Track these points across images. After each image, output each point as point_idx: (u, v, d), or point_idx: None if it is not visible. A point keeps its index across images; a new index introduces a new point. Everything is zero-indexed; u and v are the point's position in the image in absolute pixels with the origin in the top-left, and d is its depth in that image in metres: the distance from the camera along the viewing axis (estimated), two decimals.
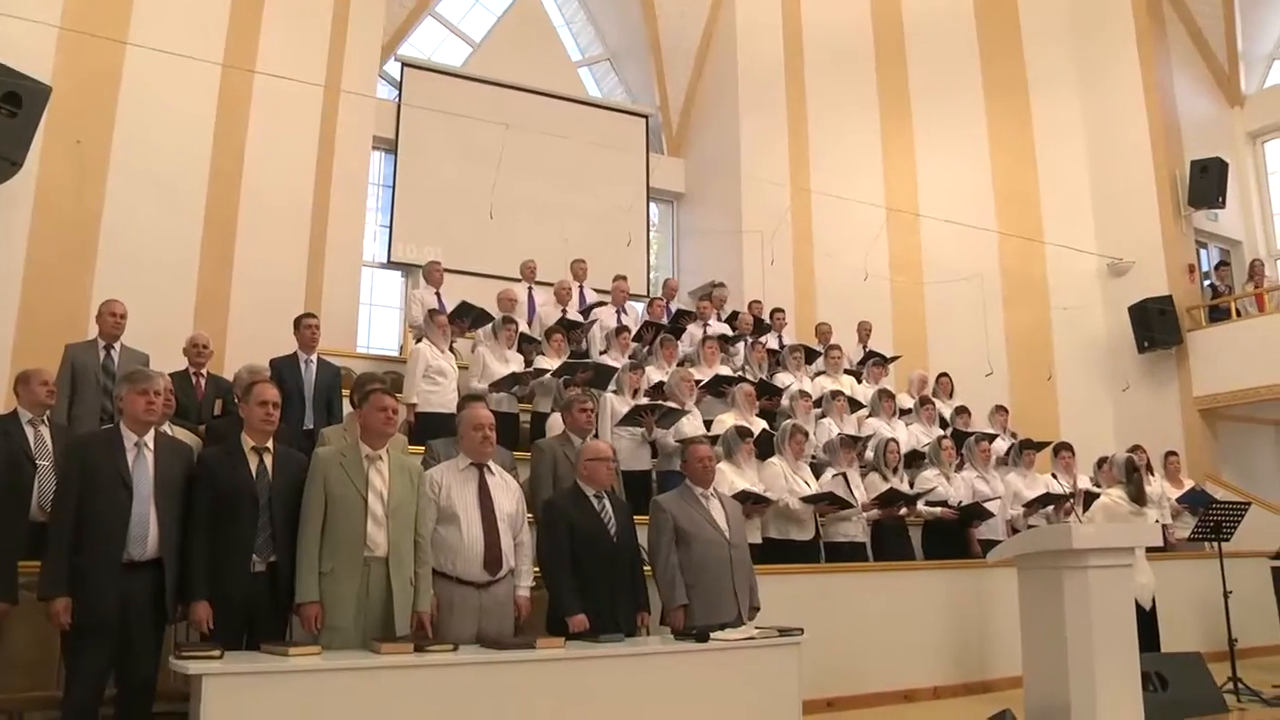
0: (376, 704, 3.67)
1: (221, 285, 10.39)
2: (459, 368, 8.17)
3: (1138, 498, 7.24)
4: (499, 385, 7.88)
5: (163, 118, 10.19)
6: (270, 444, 4.40)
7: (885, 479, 7.67)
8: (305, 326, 7.27)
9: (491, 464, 4.86)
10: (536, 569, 4.94)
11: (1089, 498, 8.05)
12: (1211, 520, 7.32)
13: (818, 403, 8.93)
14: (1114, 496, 7.29)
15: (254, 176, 10.73)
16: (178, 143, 10.28)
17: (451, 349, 8.27)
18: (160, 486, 4.11)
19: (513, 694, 3.96)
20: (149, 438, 4.19)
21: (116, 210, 9.81)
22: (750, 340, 10.03)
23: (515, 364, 8.23)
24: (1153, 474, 9.05)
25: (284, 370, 6.99)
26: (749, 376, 9.04)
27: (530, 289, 10.52)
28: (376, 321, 12.82)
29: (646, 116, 14.95)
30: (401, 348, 11.09)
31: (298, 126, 11.18)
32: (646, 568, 5.25)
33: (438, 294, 9.74)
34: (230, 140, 10.67)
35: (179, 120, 10.33)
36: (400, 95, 12.98)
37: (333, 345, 9.08)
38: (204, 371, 7.03)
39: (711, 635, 4.56)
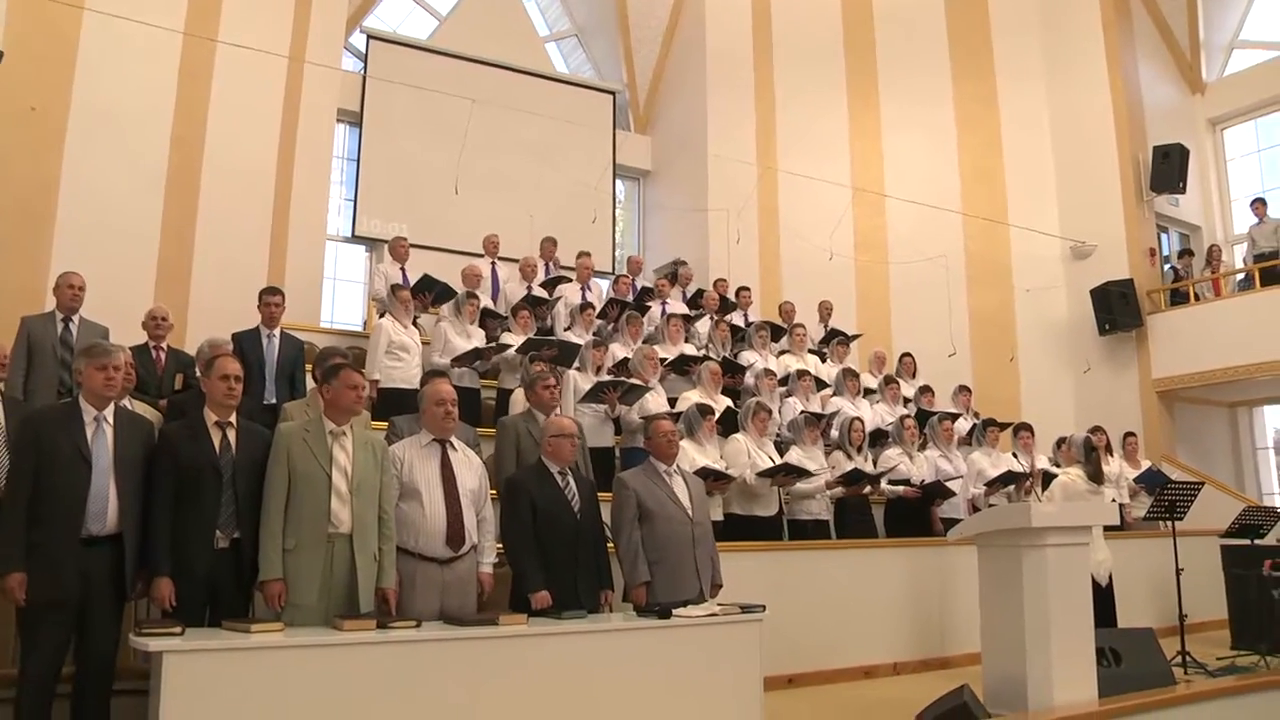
0: (339, 681, 3.66)
1: (183, 258, 10.25)
2: (422, 343, 8.11)
3: (1095, 477, 7.36)
4: (461, 360, 7.84)
5: (122, 86, 10.01)
6: (233, 419, 4.34)
7: (850, 457, 7.73)
8: (267, 303, 7.18)
9: (454, 440, 4.85)
10: (500, 545, 4.93)
11: (1048, 477, 8.16)
12: (1166, 500, 7.44)
13: (783, 381, 8.97)
14: (1072, 475, 7.41)
15: (216, 148, 10.58)
16: (137, 112, 10.11)
17: (415, 324, 8.22)
18: (120, 461, 4.04)
19: (476, 670, 3.96)
20: (108, 412, 4.12)
21: (74, 180, 9.65)
22: (715, 318, 10.04)
23: (477, 339, 8.20)
24: (1110, 454, 9.19)
25: (246, 344, 6.93)
26: (713, 355, 9.06)
27: (494, 264, 10.47)
28: (340, 296, 12.71)
29: (614, 93, 14.88)
30: (365, 323, 11.00)
31: (261, 98, 11.02)
32: (609, 544, 5.26)
33: (403, 269, 9.67)
34: (192, 110, 10.50)
35: (139, 89, 10.16)
36: (365, 68, 12.83)
37: (296, 319, 8.98)
38: (164, 345, 6.93)
39: (674, 612, 4.58)
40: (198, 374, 5.79)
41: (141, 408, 5.27)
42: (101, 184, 9.72)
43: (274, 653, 3.62)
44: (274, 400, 6.76)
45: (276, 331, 7.16)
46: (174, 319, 7.27)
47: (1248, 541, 7.79)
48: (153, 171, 10.19)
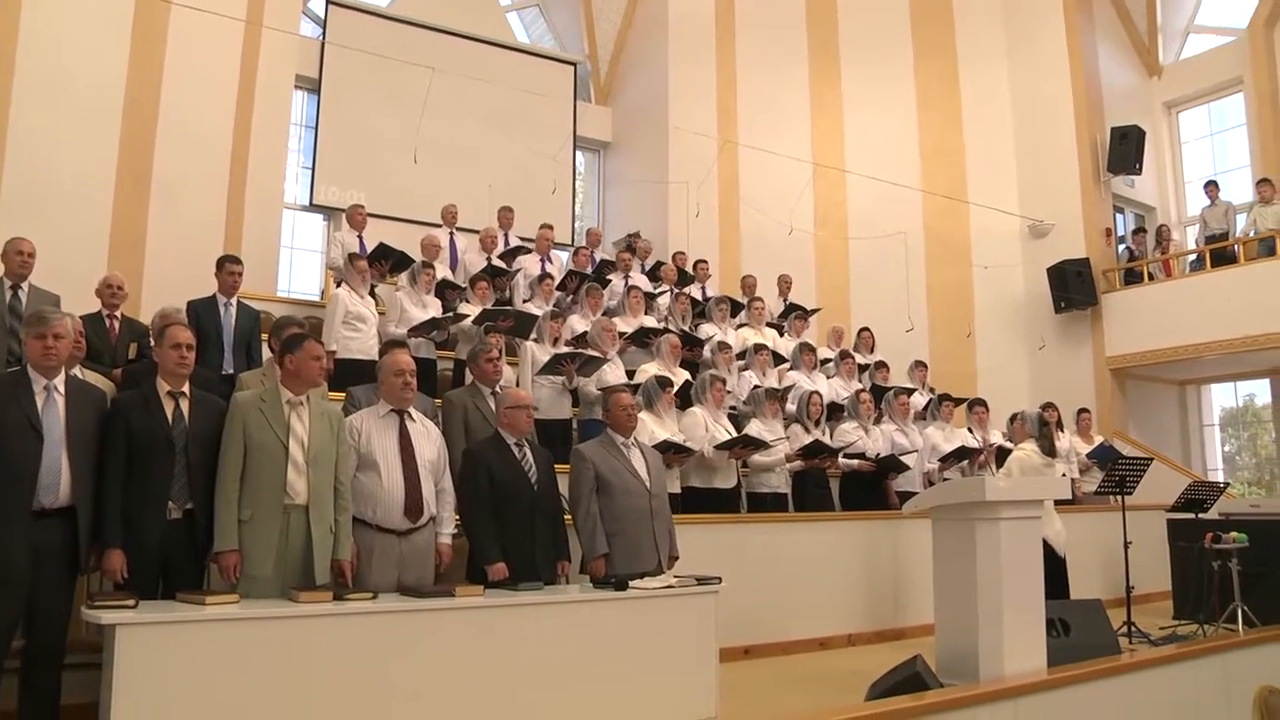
0: (295, 653, 3.63)
1: (137, 225, 10.03)
2: (378, 313, 8.04)
3: (1048, 451, 7.47)
4: (417, 330, 7.78)
5: (71, 48, 9.73)
6: (186, 388, 4.28)
7: (807, 431, 7.77)
8: (228, 272, 7.07)
9: (412, 410, 4.82)
10: (458, 517, 4.92)
11: (1001, 452, 8.27)
12: (1117, 475, 7.56)
13: (740, 355, 8.99)
14: (1027, 451, 7.50)
15: (171, 113, 10.33)
16: (88, 75, 9.84)
17: (372, 294, 8.13)
18: (72, 432, 3.95)
19: (432, 642, 3.95)
20: (59, 381, 4.03)
21: (22, 144, 9.37)
22: (674, 291, 10.04)
23: (434, 309, 8.14)
24: (1062, 430, 9.33)
25: (202, 313, 6.83)
26: (672, 327, 9.07)
27: (451, 234, 10.38)
28: (298, 265, 12.55)
29: (575, 64, 14.75)
30: (323, 292, 10.85)
31: (217, 63, 10.75)
32: (567, 516, 5.26)
33: (360, 238, 9.55)
34: (145, 74, 10.24)
35: (89, 51, 9.88)
36: (324, 34, 12.60)
37: (252, 288, 8.83)
38: (118, 314, 6.82)
39: (630, 584, 4.60)
40: (151, 343, 5.73)
41: (94, 377, 5.16)
42: (51, 149, 9.46)
43: (229, 625, 3.57)
44: (232, 370, 6.68)
45: (234, 301, 7.06)
46: (128, 287, 7.14)
47: (1192, 515, 7.94)
48: (105, 137, 9.93)
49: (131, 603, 3.50)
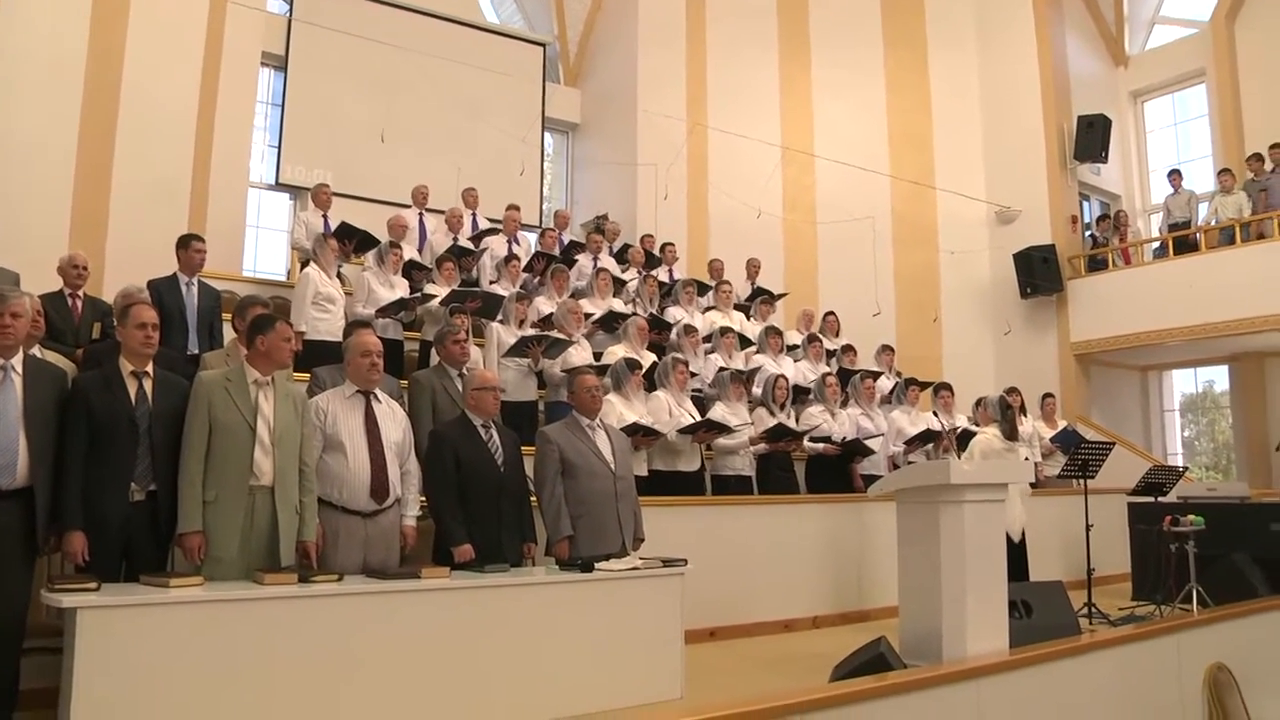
0: (260, 636, 3.61)
1: (99, 203, 9.84)
2: (345, 294, 7.97)
3: (1010, 435, 7.55)
4: (385, 311, 7.72)
5: (29, 21, 9.52)
6: (150, 368, 4.23)
7: (773, 414, 7.80)
8: (194, 249, 6.95)
9: (378, 391, 4.79)
10: (423, 498, 4.90)
11: (965, 436, 8.33)
12: (1080, 459, 7.64)
13: (707, 338, 9.00)
14: (989, 435, 7.58)
15: (133, 89, 10.12)
16: (47, 50, 9.63)
17: (339, 275, 8.06)
18: (29, 412, 3.89)
19: (398, 624, 3.93)
20: (16, 361, 3.96)
21: None
22: (642, 273, 10.03)
23: (400, 290, 8.08)
24: (1025, 415, 9.41)
25: (164, 292, 6.71)
26: (639, 310, 9.06)
27: (421, 215, 10.31)
28: (264, 244, 12.40)
29: (544, 45, 14.64)
30: (289, 272, 10.75)
31: (181, 38, 10.55)
32: (533, 498, 5.26)
33: (325, 217, 9.47)
34: (107, 49, 10.02)
35: (48, 25, 9.67)
36: (291, 10, 12.41)
37: (217, 268, 8.74)
38: (80, 293, 6.70)
39: (596, 566, 4.60)
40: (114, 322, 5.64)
41: (54, 357, 5.07)
42: (8, 124, 9.26)
43: (193, 607, 3.54)
44: (197, 350, 6.59)
45: (195, 279, 6.96)
46: (90, 266, 7.03)
47: (1152, 499, 8.06)
48: (65, 113, 9.73)
49: (93, 585, 3.46)
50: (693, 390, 7.86)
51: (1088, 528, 7.38)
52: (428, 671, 3.96)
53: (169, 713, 3.38)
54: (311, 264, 7.72)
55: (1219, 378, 14.53)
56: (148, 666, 3.37)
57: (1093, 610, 6.95)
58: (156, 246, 7.87)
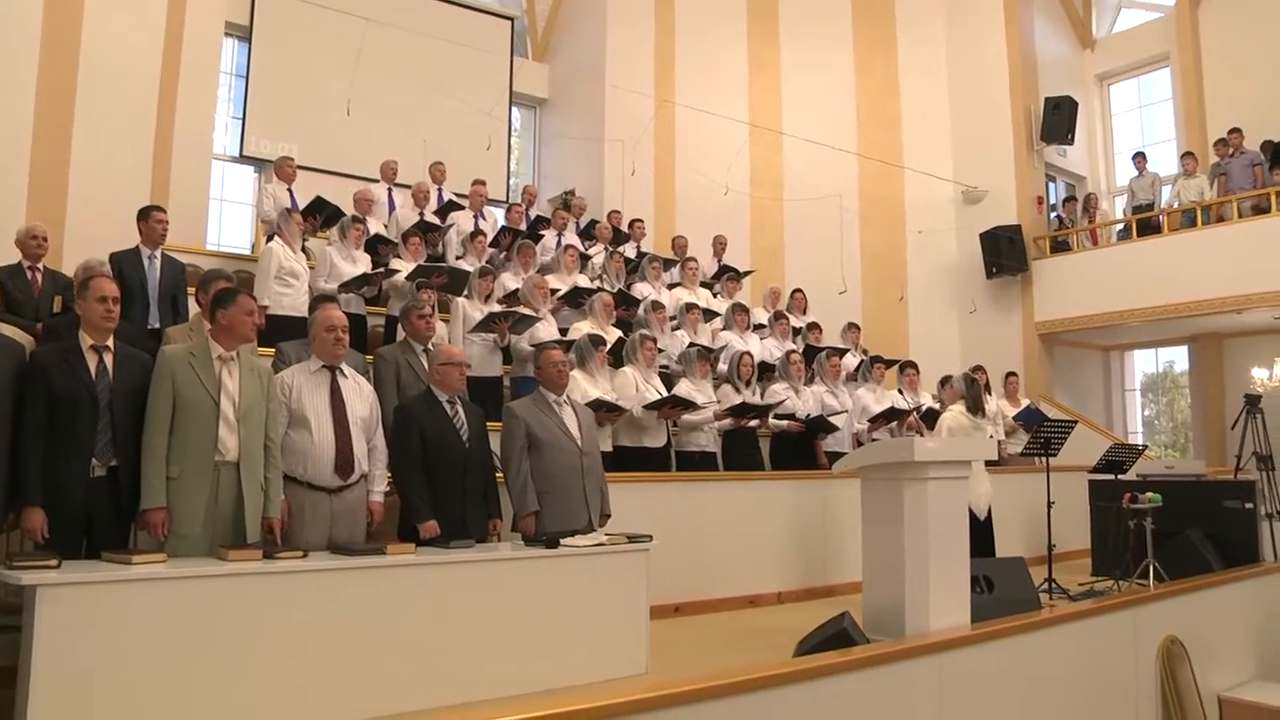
0: (224, 613, 3.55)
1: (57, 174, 9.62)
2: (309, 268, 7.88)
3: (975, 411, 7.60)
4: (348, 286, 7.65)
5: None
6: (110, 342, 4.15)
7: (738, 391, 7.80)
8: (155, 220, 6.82)
9: (344, 366, 4.74)
10: (389, 474, 4.86)
11: (931, 414, 8.38)
12: (1042, 437, 7.71)
13: (674, 315, 8.99)
14: (955, 413, 7.63)
15: (92, 58, 9.87)
16: (1, 16, 9.42)
17: (303, 249, 7.97)
18: None
19: (363, 601, 3.90)
20: None
21: None
22: (609, 250, 9.99)
23: (363, 264, 8.01)
24: (990, 393, 9.48)
25: (126, 265, 6.61)
26: (606, 286, 9.03)
27: (390, 190, 10.20)
28: (228, 217, 12.23)
29: (512, 20, 14.52)
30: (254, 246, 10.61)
31: (142, 4, 10.36)
32: (499, 474, 5.23)
33: (290, 191, 9.36)
34: (64, 15, 9.79)
35: None
36: None
37: (180, 241, 8.60)
38: (40, 266, 6.58)
39: (562, 542, 4.59)
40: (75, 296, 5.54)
41: (12, 331, 4.98)
42: None
43: (156, 584, 3.48)
44: (158, 324, 6.51)
45: (158, 253, 6.84)
46: (50, 238, 6.89)
47: (1112, 476, 8.16)
48: (20, 82, 9.49)
49: (53, 563, 3.39)
50: (659, 367, 7.85)
51: (1049, 505, 7.45)
52: (393, 647, 3.93)
53: (131, 691, 3.33)
54: (275, 238, 7.61)
55: (1179, 358, 14.74)
56: (110, 645, 3.31)
57: (1053, 585, 7.04)
58: (118, 219, 7.75)
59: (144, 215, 6.88)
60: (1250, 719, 5.62)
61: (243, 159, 12.07)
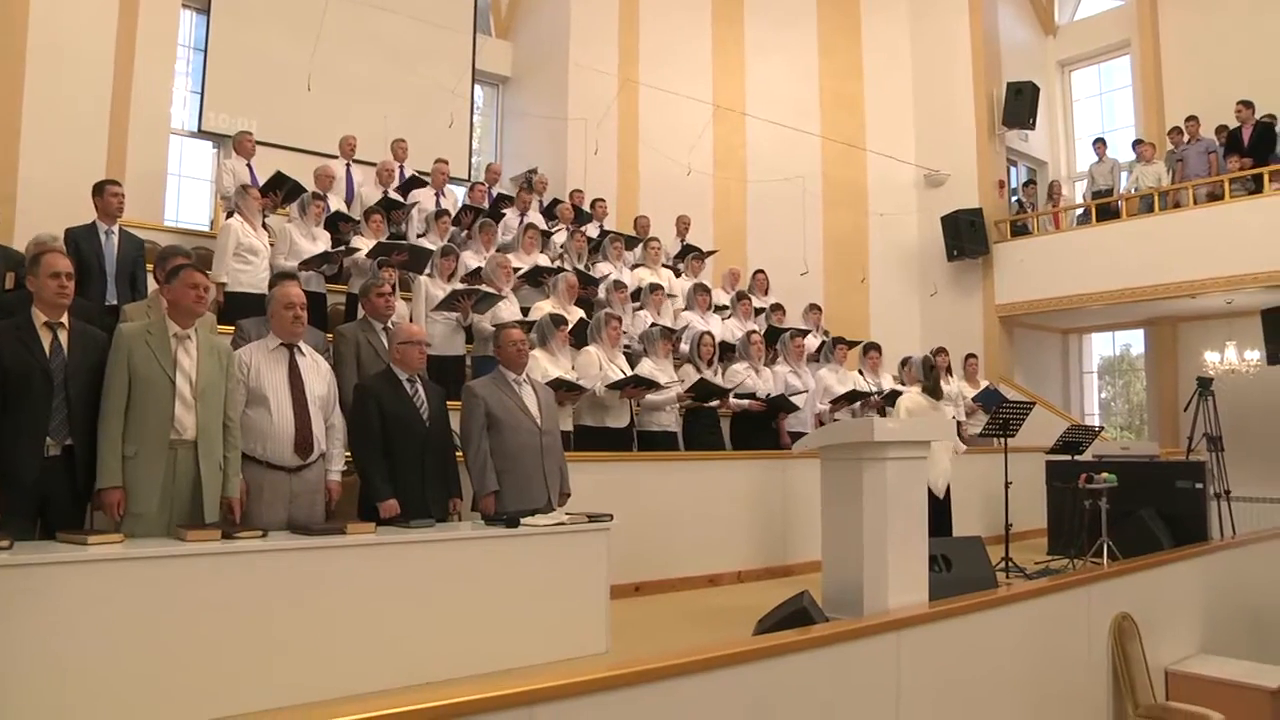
0: (182, 594, 3.50)
1: (7, 147, 9.41)
2: (269, 245, 7.78)
3: (934, 393, 7.67)
4: (308, 264, 7.55)
5: None
6: (65, 319, 4.07)
7: (699, 371, 7.80)
8: (109, 194, 6.65)
9: (302, 344, 4.69)
10: (349, 453, 4.83)
11: (893, 396, 8.44)
12: (1001, 418, 7.79)
13: (635, 295, 8.97)
14: (914, 394, 7.68)
15: (42, 26, 9.64)
16: None
17: (264, 226, 7.86)
18: None
19: (322, 581, 3.86)
20: None
21: None
22: (570, 229, 9.95)
23: (324, 242, 7.92)
24: (950, 374, 9.57)
25: (81, 241, 6.45)
26: (567, 265, 9.00)
27: (349, 166, 10.08)
28: (186, 193, 12.02)
29: None
30: (212, 222, 10.45)
31: None
32: (459, 453, 5.21)
33: (249, 166, 9.22)
34: None
35: None
36: None
37: (137, 217, 8.45)
38: None
39: (522, 521, 4.57)
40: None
41: None
42: None
43: (112, 565, 3.41)
44: (115, 301, 6.36)
45: (115, 228, 6.68)
46: (1, 213, 6.74)
47: (1069, 457, 8.27)
48: None
49: (5, 544, 3.32)
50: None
51: (1007, 485, 7.54)
52: (353, 628, 3.89)
53: (87, 674, 3.28)
54: (235, 214, 7.50)
55: (1136, 341, 14.94)
56: (65, 626, 3.25)
57: (1010, 564, 7.13)
58: (72, 194, 7.56)
59: (99, 190, 6.73)
60: (1193, 690, 5.76)
61: (201, 134, 11.86)
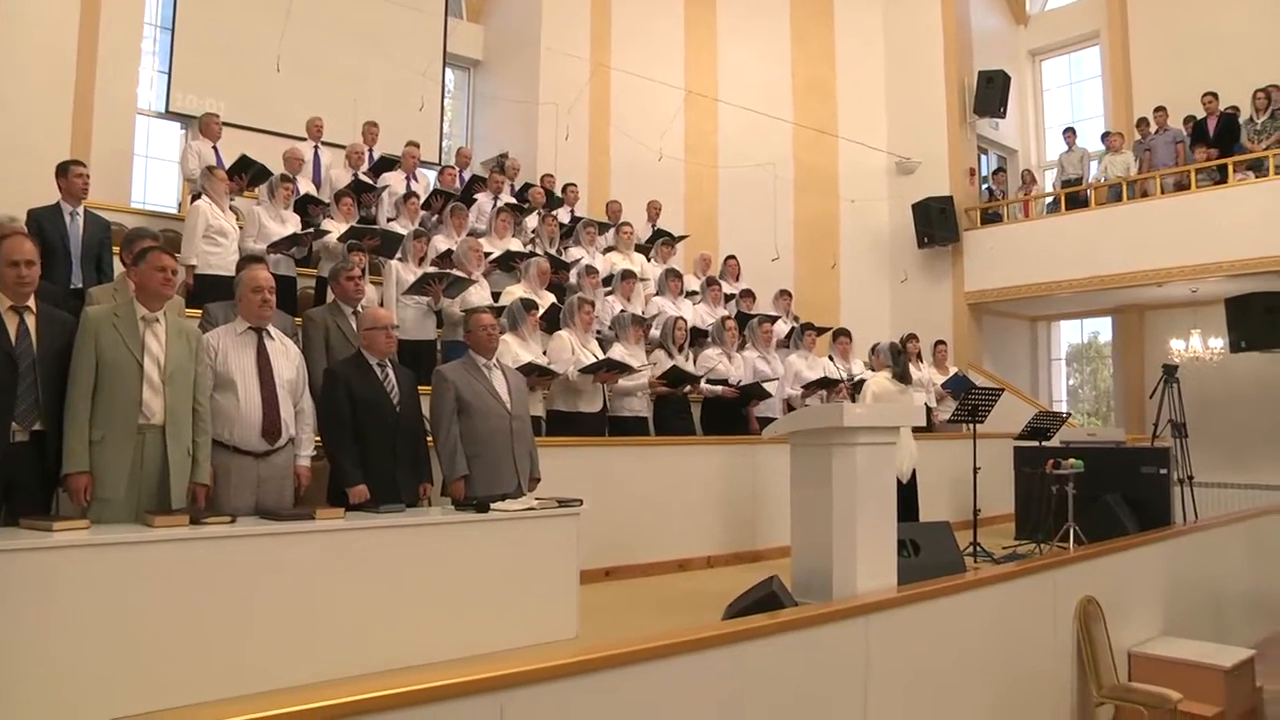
0: (149, 580, 3.46)
1: None
2: (238, 227, 7.69)
3: (902, 378, 7.71)
4: (277, 247, 7.48)
5: None
6: (31, 303, 4.00)
7: (671, 356, 7.81)
8: (74, 175, 6.52)
9: (271, 328, 4.65)
10: (318, 438, 4.79)
11: (862, 382, 8.47)
12: (970, 404, 7.85)
13: (606, 280, 8.96)
14: (882, 378, 7.71)
15: (4, 3, 9.47)
16: None
17: (232, 208, 7.77)
18: None
19: (292, 566, 3.84)
20: None
21: None
22: (542, 214, 9.92)
23: (292, 224, 7.84)
24: (920, 361, 9.62)
25: (45, 223, 6.31)
26: (538, 250, 8.97)
27: (316, 148, 9.98)
28: (153, 175, 11.84)
29: None
30: (180, 204, 10.31)
31: None
32: (429, 438, 5.18)
33: (215, 148, 9.11)
34: None
35: None
36: None
37: (103, 198, 8.32)
38: None
39: (492, 506, 4.56)
40: None
41: None
42: None
43: (79, 551, 3.37)
44: (80, 284, 6.25)
45: (81, 209, 6.56)
46: None
47: (1037, 443, 8.35)
48: None
49: None
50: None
51: (975, 470, 7.60)
52: (322, 613, 3.87)
53: (53, 661, 3.24)
54: (203, 196, 7.41)
55: (1103, 329, 15.09)
56: (31, 614, 3.21)
57: (978, 549, 7.19)
58: (36, 175, 7.44)
59: (63, 170, 6.61)
60: (1154, 670, 5.85)
61: (169, 114, 11.68)
